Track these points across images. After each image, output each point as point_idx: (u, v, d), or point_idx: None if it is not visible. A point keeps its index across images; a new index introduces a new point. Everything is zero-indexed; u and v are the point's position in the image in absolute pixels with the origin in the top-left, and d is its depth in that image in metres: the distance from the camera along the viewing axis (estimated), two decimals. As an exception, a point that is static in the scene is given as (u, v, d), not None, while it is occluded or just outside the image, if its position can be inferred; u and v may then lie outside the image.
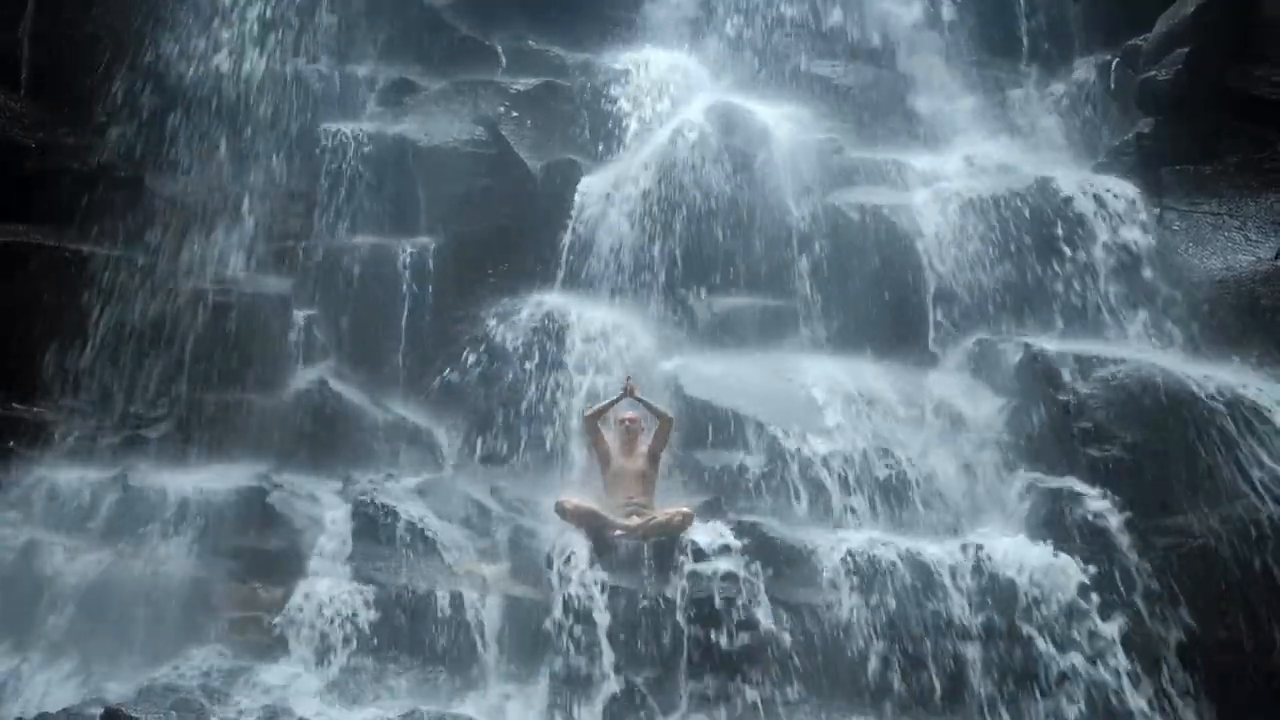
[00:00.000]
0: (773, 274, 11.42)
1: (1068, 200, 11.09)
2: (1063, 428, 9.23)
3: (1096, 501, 8.67)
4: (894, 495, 9.19)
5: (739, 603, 8.24)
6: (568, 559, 8.48)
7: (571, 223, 11.75)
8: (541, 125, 12.78)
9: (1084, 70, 13.53)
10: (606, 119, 12.88)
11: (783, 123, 12.35)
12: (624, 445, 9.39)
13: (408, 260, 11.51)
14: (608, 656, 8.11)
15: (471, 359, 11.01)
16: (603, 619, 8.22)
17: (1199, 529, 8.35)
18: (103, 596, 8.47)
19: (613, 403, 9.53)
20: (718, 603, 8.24)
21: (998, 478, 9.35)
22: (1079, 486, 8.82)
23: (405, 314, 11.31)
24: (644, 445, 9.38)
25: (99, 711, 7.04)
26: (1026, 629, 8.13)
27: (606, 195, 11.80)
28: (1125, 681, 7.86)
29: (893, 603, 8.22)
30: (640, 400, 9.48)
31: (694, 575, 8.38)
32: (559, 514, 8.88)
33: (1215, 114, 11.90)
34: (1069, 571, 8.30)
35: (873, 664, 8.07)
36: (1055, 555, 8.40)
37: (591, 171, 12.17)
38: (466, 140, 12.44)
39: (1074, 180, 11.37)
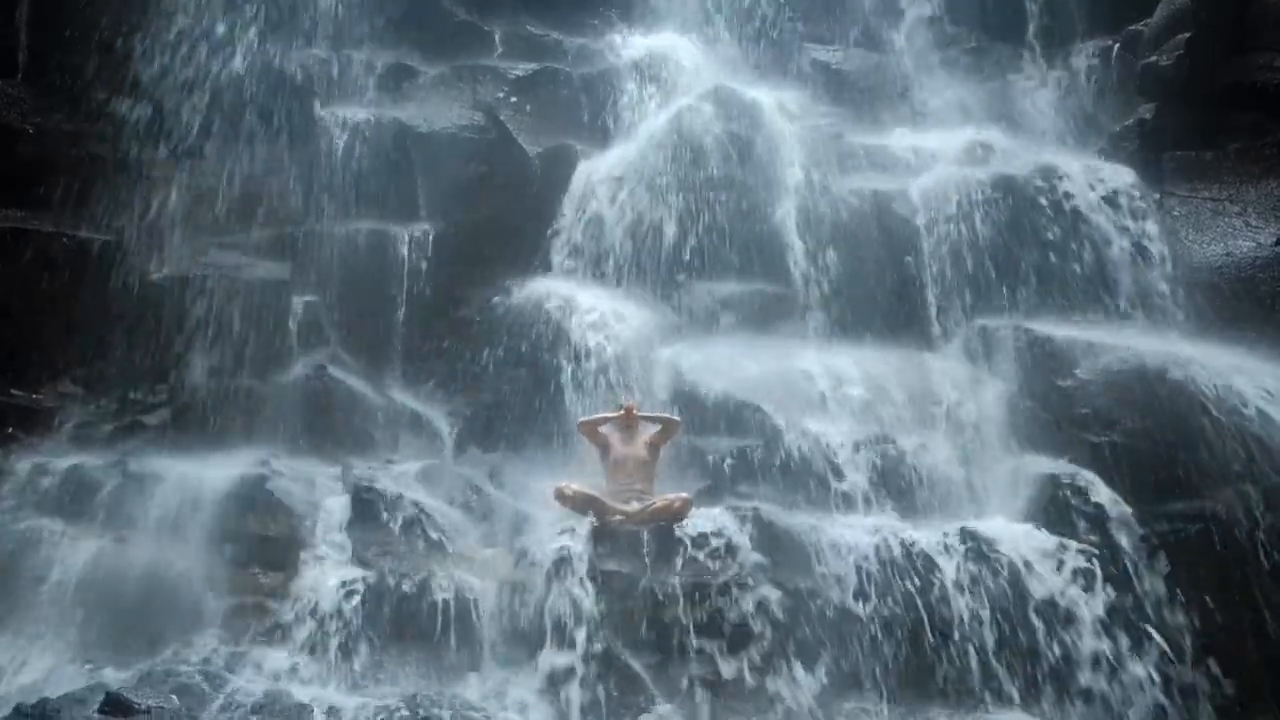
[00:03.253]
0: (772, 259, 11.41)
1: (1068, 186, 11.09)
2: (1063, 413, 9.25)
3: (1096, 487, 8.68)
4: (894, 481, 9.20)
5: (738, 588, 8.24)
6: (567, 544, 8.48)
7: (570, 208, 11.72)
8: (540, 110, 12.76)
9: (1085, 56, 13.53)
10: (605, 104, 12.88)
11: (782, 107, 12.35)
12: (623, 432, 9.39)
13: (406, 246, 11.49)
14: (607, 642, 8.11)
15: (470, 345, 11.00)
16: (602, 604, 8.21)
17: (1199, 514, 8.37)
18: (103, 582, 8.45)
19: (609, 418, 9.50)
20: (717, 588, 8.23)
21: (998, 463, 9.36)
22: (1079, 472, 8.84)
23: (404, 300, 11.29)
24: (645, 434, 9.38)
25: (100, 697, 7.03)
26: (1026, 614, 8.13)
27: (605, 180, 11.78)
28: (1126, 666, 7.88)
29: (892, 588, 8.23)
30: (642, 416, 9.45)
31: (693, 561, 8.38)
32: (558, 499, 8.87)
33: (1216, 100, 11.91)
34: (1068, 557, 8.31)
35: (872, 649, 8.07)
36: (1055, 540, 8.41)
37: (590, 157, 12.15)
38: (465, 125, 12.41)
39: (1074, 166, 11.38)
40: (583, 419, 9.65)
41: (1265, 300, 10.10)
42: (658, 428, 9.43)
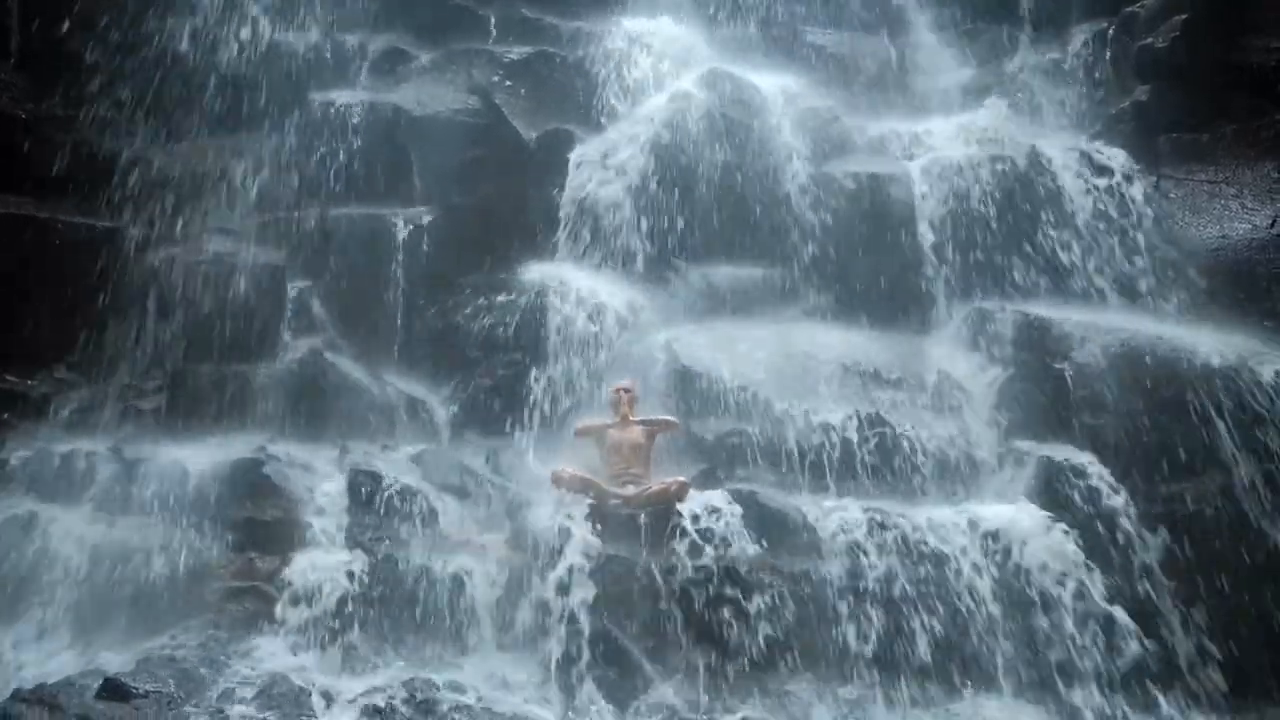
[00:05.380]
0: (769, 243, 11.40)
1: (1064, 168, 11.10)
2: (1059, 396, 9.24)
3: (1093, 469, 8.68)
4: (891, 464, 9.19)
5: (735, 571, 8.24)
6: (564, 528, 8.49)
7: (566, 192, 11.68)
8: (535, 94, 12.70)
9: (1081, 38, 13.44)
10: (601, 88, 12.81)
11: (779, 91, 12.30)
12: (618, 416, 9.38)
13: (401, 230, 11.45)
14: (604, 625, 8.12)
15: (466, 329, 10.98)
16: (599, 588, 8.22)
17: (1195, 496, 8.39)
18: (100, 568, 8.47)
19: (606, 426, 9.45)
20: (714, 572, 8.24)
21: (994, 446, 9.36)
22: (1075, 455, 8.84)
23: (399, 284, 11.25)
24: (640, 422, 9.37)
25: (97, 682, 7.04)
26: (1022, 597, 8.14)
27: (601, 165, 11.74)
28: (1122, 648, 7.89)
29: (889, 571, 8.24)
30: (638, 422, 9.39)
31: (690, 544, 8.37)
32: (555, 483, 8.88)
33: (1212, 82, 11.86)
34: (1065, 539, 8.31)
35: (869, 632, 8.08)
36: (1051, 523, 8.41)
37: (586, 141, 12.09)
38: (460, 110, 12.37)
39: (1070, 148, 11.39)
40: (580, 425, 9.61)
41: (1261, 282, 10.11)
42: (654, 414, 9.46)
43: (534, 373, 10.41)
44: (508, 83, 12.63)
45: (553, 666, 8.00)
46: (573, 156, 11.86)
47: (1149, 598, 8.13)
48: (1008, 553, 8.27)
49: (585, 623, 8.10)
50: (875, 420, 9.36)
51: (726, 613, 8.14)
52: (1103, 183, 11.02)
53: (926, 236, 11.06)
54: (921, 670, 8.04)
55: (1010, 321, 9.92)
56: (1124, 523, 8.41)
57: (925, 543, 8.37)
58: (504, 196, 11.80)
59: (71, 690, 6.92)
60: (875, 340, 10.39)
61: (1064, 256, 10.70)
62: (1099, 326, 9.57)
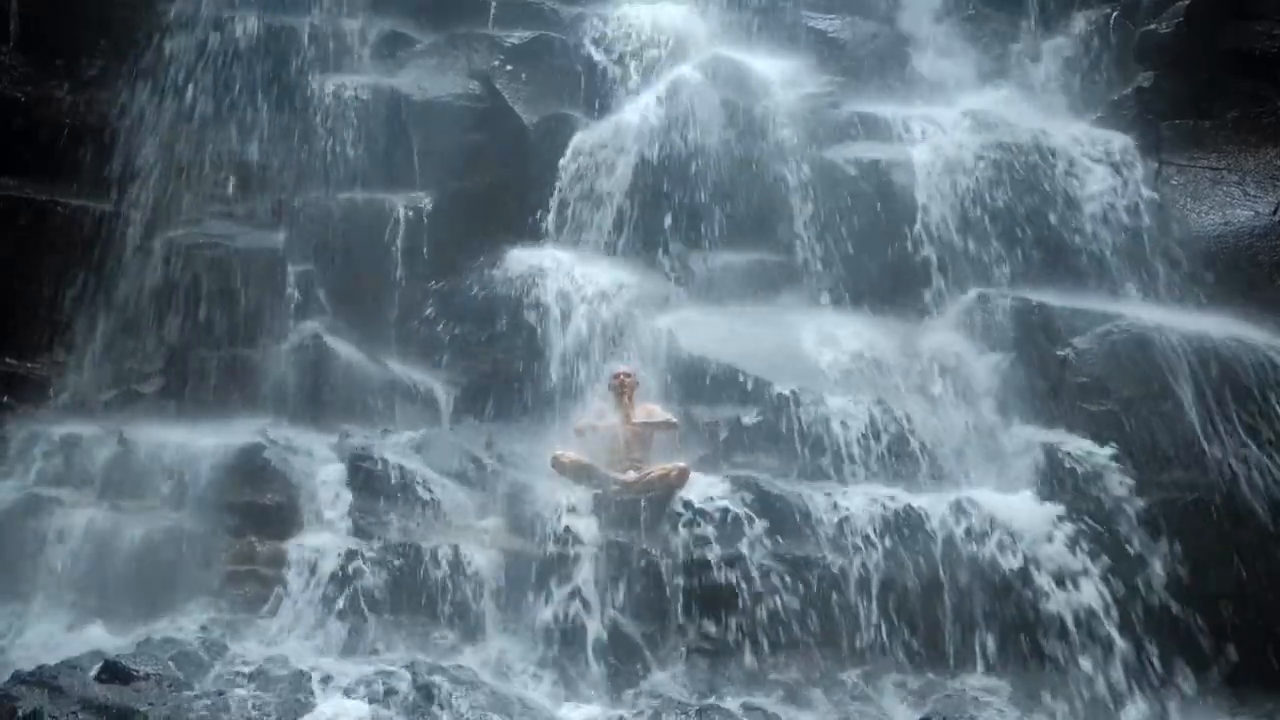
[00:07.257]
0: (769, 229, 11.37)
1: (1066, 154, 11.06)
2: (1059, 382, 9.22)
3: (1092, 455, 8.67)
4: (891, 449, 9.15)
5: (735, 557, 8.24)
6: (564, 513, 8.49)
7: (566, 178, 11.66)
8: (535, 79, 12.66)
9: (1083, 24, 13.38)
10: (601, 73, 12.77)
11: (780, 76, 12.26)
12: (619, 402, 9.37)
13: (402, 215, 11.45)
14: (604, 610, 8.14)
15: (467, 314, 10.98)
16: (598, 573, 8.24)
17: (1194, 483, 8.38)
18: (100, 551, 8.49)
19: (605, 426, 9.39)
20: (713, 557, 8.24)
21: (994, 432, 9.34)
22: (1075, 441, 8.82)
23: (400, 269, 11.26)
24: (641, 406, 9.35)
25: (98, 664, 7.05)
26: (1021, 582, 8.13)
27: (601, 149, 11.71)
28: (1121, 635, 7.89)
29: (889, 557, 8.24)
30: (638, 425, 9.31)
31: (690, 530, 8.38)
32: (555, 468, 8.89)
33: (1214, 69, 11.83)
34: (1064, 525, 8.31)
35: (869, 618, 8.09)
36: (1051, 509, 8.41)
37: (586, 126, 12.05)
38: (460, 94, 12.35)
39: (1072, 134, 11.34)
40: (578, 425, 9.50)
41: (1263, 269, 10.08)
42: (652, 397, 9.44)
43: (534, 357, 10.41)
44: (508, 67, 12.59)
45: (553, 651, 8.02)
46: (573, 141, 11.81)
47: (1148, 585, 8.11)
48: (1007, 539, 8.25)
49: (585, 608, 8.11)
50: (876, 406, 9.33)
51: (726, 599, 8.14)
52: (1104, 169, 10.99)
53: (927, 222, 11.01)
54: (920, 654, 8.04)
55: (1011, 308, 9.88)
56: (1124, 509, 8.39)
57: (925, 529, 8.36)
58: (504, 181, 11.78)
59: (72, 672, 6.91)
60: (876, 326, 10.35)
61: (1065, 242, 10.66)
62: (1100, 312, 9.53)
